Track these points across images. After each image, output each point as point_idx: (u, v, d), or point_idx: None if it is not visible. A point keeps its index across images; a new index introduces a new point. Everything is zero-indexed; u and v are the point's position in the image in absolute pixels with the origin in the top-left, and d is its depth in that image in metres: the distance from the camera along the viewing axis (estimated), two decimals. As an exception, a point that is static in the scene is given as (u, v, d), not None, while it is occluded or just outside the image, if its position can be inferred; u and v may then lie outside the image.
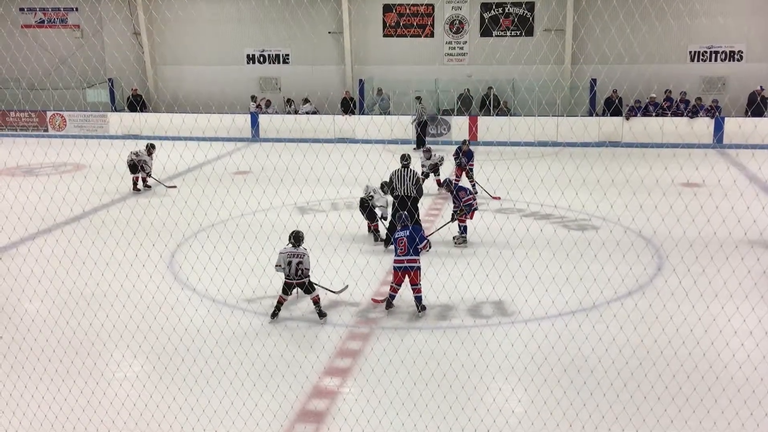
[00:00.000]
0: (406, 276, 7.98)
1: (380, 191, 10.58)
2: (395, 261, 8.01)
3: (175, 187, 14.34)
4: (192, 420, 5.75)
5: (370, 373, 6.48)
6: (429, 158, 13.65)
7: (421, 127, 19.58)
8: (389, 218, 10.40)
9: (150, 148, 14.57)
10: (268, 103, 22.71)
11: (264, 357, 6.63)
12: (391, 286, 8.10)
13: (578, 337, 6.92)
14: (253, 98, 22.95)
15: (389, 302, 8.12)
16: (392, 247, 8.52)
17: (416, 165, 12.35)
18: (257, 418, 5.71)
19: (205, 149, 18.43)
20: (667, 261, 9.69)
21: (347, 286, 8.30)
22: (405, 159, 10.54)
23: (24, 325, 7.44)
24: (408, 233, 7.98)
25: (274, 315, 7.92)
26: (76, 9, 24.36)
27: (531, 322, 7.60)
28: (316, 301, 7.88)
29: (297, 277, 7.73)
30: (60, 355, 6.66)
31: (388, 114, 21.66)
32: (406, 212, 8.50)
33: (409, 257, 7.93)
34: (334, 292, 8.26)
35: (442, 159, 13.95)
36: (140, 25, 23.63)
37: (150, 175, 14.67)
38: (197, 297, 8.49)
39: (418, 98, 20.33)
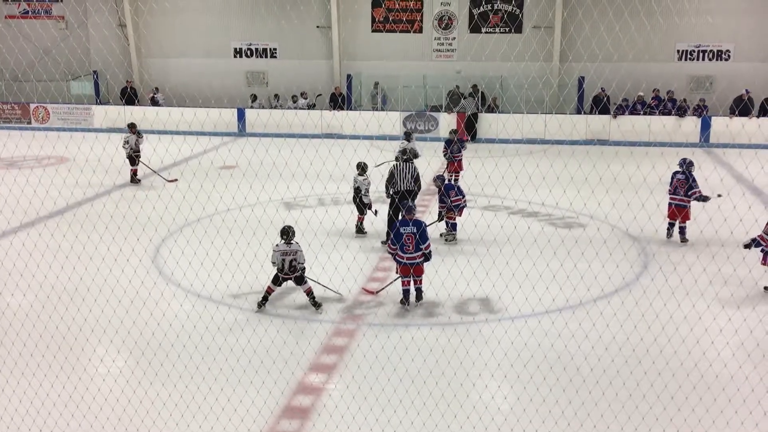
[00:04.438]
0: (411, 270, 7.98)
1: (364, 181, 10.64)
2: (399, 257, 7.98)
3: (175, 180, 14.07)
4: (176, 416, 5.68)
5: (356, 370, 6.45)
6: (407, 142, 13.17)
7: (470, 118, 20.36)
8: (387, 214, 10.31)
9: (131, 128, 14.31)
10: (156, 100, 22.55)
11: (249, 353, 6.57)
12: (402, 281, 8.06)
13: (564, 335, 6.93)
14: (156, 90, 22.81)
15: (407, 297, 8.04)
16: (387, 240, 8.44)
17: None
18: (242, 414, 5.66)
19: (192, 143, 18.28)
20: (654, 259, 9.74)
21: (341, 296, 8.29)
22: (405, 153, 10.52)
23: (6, 319, 7.34)
24: (413, 229, 7.93)
25: (261, 305, 7.91)
26: (61, 0, 24.05)
27: (518, 319, 7.60)
28: (309, 292, 7.93)
29: (290, 273, 7.80)
30: (42, 349, 6.57)
31: (383, 110, 21.64)
32: (410, 203, 8.41)
33: (415, 254, 7.93)
34: (330, 289, 8.27)
35: (415, 153, 13.18)
36: (126, 17, 23.39)
37: (139, 156, 14.39)
38: (182, 292, 8.41)
39: (474, 86, 21.06)
